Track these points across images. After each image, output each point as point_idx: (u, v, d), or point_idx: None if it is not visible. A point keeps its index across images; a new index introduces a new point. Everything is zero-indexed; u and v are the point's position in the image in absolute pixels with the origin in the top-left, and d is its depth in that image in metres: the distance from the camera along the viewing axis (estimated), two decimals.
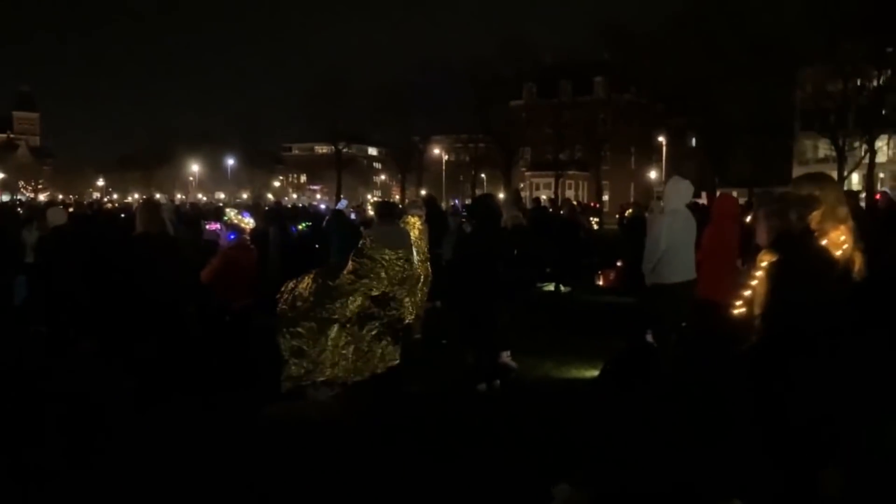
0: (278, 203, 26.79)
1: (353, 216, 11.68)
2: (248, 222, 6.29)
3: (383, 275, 5.76)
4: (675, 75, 41.94)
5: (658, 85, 45.50)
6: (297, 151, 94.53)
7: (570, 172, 59.85)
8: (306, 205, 37.93)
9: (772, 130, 44.67)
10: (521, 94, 59.75)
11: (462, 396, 6.24)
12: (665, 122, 51.45)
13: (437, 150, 64.58)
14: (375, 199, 16.32)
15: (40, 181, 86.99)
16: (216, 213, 11.39)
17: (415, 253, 6.25)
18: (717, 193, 21.10)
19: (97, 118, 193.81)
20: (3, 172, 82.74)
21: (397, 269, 5.86)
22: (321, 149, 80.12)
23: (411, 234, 6.73)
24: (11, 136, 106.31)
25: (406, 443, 5.05)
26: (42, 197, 64.29)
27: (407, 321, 6.15)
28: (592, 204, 21.70)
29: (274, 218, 11.16)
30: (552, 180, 59.31)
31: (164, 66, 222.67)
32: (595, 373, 6.89)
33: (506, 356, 6.86)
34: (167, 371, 5.47)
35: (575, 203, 19.73)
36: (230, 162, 77.37)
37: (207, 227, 6.57)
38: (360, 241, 5.86)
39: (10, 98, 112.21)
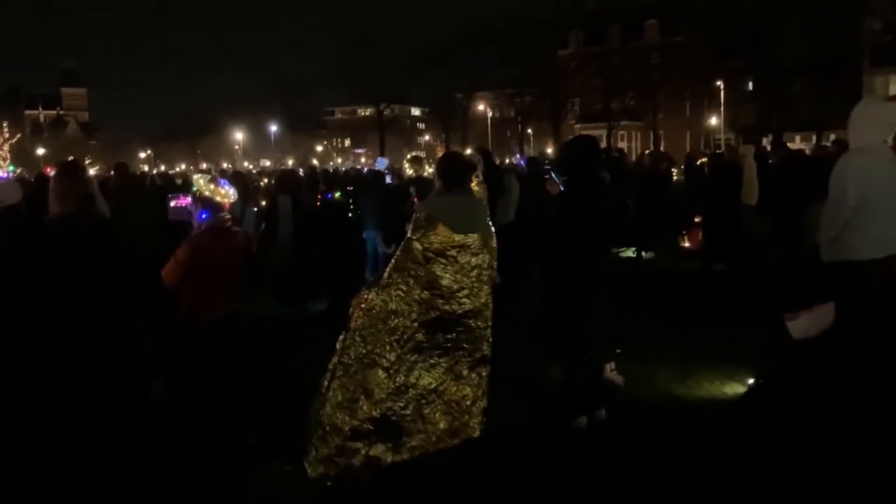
0: (311, 169, 24.57)
1: (388, 179, 9.81)
2: (227, 194, 4.28)
3: (445, 277, 3.87)
4: (730, 13, 39.34)
5: (713, 25, 42.76)
6: (339, 115, 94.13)
7: (623, 123, 57.50)
8: (348, 168, 36.61)
9: (837, 68, 41.55)
10: (567, 43, 57.25)
11: (550, 437, 4.36)
12: (721, 66, 48.60)
13: (481, 106, 62.46)
14: (414, 154, 13.64)
15: (88, 155, 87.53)
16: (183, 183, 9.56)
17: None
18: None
19: (142, 91, 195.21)
20: (54, 148, 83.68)
21: (470, 266, 3.94)
22: (364, 111, 79.39)
23: None
24: (61, 112, 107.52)
25: None
26: (92, 171, 64.75)
27: (488, 353, 4.08)
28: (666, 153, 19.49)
29: (285, 185, 9.28)
30: (603, 132, 56.99)
31: (203, 32, 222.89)
32: (736, 387, 5.09)
33: (610, 370, 4.79)
34: (87, 424, 3.85)
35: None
36: (273, 128, 76.93)
37: (174, 203, 4.65)
38: (411, 221, 3.97)
39: (58, 75, 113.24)
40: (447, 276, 3.90)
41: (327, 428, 3.90)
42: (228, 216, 4.37)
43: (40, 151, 79.18)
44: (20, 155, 75.49)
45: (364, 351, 3.88)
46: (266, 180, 16.82)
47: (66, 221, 4.01)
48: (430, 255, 3.89)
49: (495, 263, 4.09)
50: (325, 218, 9.46)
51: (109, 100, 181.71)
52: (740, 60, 46.67)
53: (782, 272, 7.64)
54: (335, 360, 4.01)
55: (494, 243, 4.12)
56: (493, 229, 4.15)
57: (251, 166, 63.48)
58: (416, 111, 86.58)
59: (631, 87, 53.62)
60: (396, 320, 3.86)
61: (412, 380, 3.90)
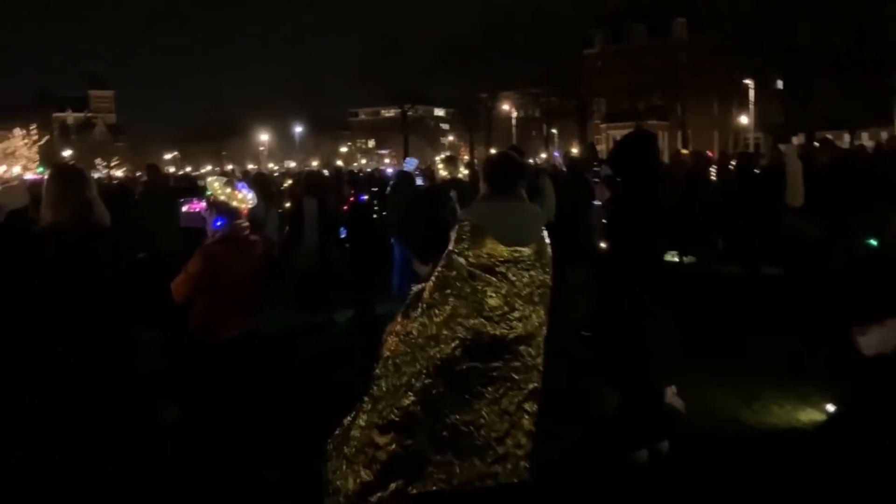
0: (340, 171, 23.93)
1: (419, 181, 9.23)
2: (244, 198, 3.82)
3: (493, 297, 3.37)
4: (758, 9, 38.52)
5: (741, 22, 41.91)
6: (363, 116, 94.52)
7: (649, 122, 56.69)
8: (372, 169, 36.14)
9: (869, 64, 40.46)
10: (592, 42, 56.54)
11: (606, 473, 3.89)
12: (750, 63, 47.65)
13: (505, 106, 61.88)
14: (447, 153, 12.88)
15: (115, 157, 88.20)
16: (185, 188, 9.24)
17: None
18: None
19: (169, 93, 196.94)
20: (81, 150, 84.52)
21: (522, 284, 3.41)
22: (387, 112, 79.39)
23: None
24: (89, 114, 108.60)
25: None
26: (119, 173, 65.34)
27: (538, 385, 3.53)
28: (709, 153, 18.85)
29: (313, 187, 8.81)
30: (630, 131, 56.19)
31: (228, 35, 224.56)
32: (811, 413, 4.57)
33: (671, 394, 4.30)
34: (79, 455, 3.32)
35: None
36: (298, 130, 77.18)
37: (186, 208, 4.14)
38: (454, 231, 3.48)
39: (86, 78, 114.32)
40: (496, 295, 3.39)
41: (352, 464, 3.43)
42: (246, 223, 3.90)
43: (67, 153, 79.86)
44: (48, 157, 76.17)
45: (398, 382, 3.41)
46: (290, 182, 16.41)
47: (57, 231, 3.52)
48: (476, 271, 3.38)
49: (550, 280, 3.57)
50: (351, 222, 8.99)
51: (136, 102, 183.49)
52: (769, 58, 45.67)
53: (844, 280, 7.07)
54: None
55: (549, 257, 3.60)
56: (548, 240, 3.64)
57: (276, 167, 63.56)
58: (439, 112, 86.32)
59: (658, 85, 52.80)
60: (437, 347, 3.37)
61: (451, 414, 3.41)
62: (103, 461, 3.46)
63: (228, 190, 3.83)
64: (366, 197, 9.94)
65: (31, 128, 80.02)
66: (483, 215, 3.49)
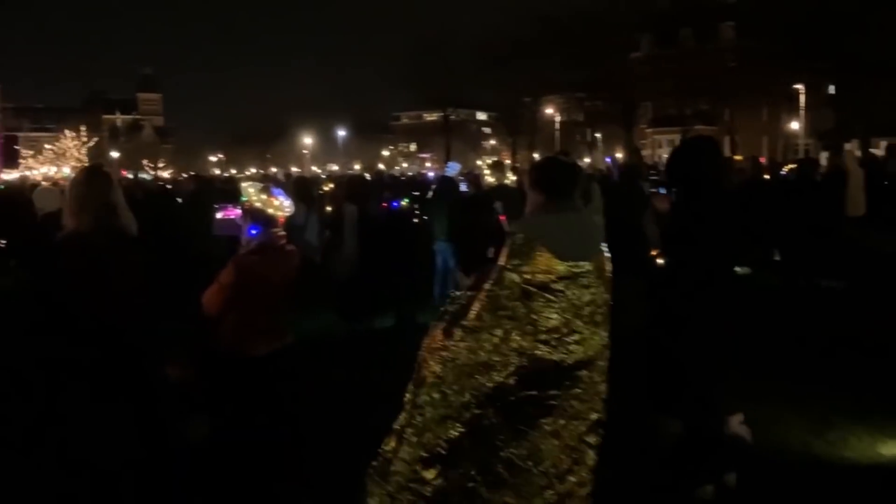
0: (379, 174, 23.56)
1: (463, 186, 8.85)
2: (281, 205, 3.57)
3: (551, 318, 3.05)
4: (811, 12, 37.55)
5: (793, 25, 40.87)
6: (405, 120, 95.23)
7: (696, 127, 55.74)
8: (414, 174, 35.92)
9: None
10: (638, 46, 55.82)
11: None
12: (801, 68, 46.47)
13: (549, 110, 61.35)
14: (495, 159, 12.25)
15: (161, 159, 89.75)
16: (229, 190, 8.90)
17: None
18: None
19: (216, 96, 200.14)
20: (129, 152, 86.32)
21: (582, 302, 3.09)
22: (429, 116, 79.69)
23: None
24: (137, 117, 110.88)
25: None
26: (166, 174, 66.58)
27: (602, 415, 3.21)
28: (761, 159, 18.21)
29: (354, 192, 8.55)
30: (676, 137, 55.36)
31: (273, 39, 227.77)
32: (893, 447, 4.13)
33: (737, 422, 3.93)
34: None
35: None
36: (341, 133, 77.74)
37: (221, 214, 3.87)
38: (506, 243, 3.17)
39: (135, 81, 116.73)
40: (554, 316, 3.06)
41: (396, 501, 3.13)
42: (282, 232, 3.66)
43: (115, 154, 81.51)
44: (97, 158, 77.82)
45: (444, 412, 3.10)
46: (331, 185, 16.26)
47: (78, 240, 3.27)
48: (532, 289, 3.06)
49: (611, 298, 3.26)
50: (391, 228, 8.74)
51: (184, 105, 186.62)
52: (822, 62, 44.50)
53: None
54: (403, 417, 3.25)
55: (610, 272, 3.28)
56: (608, 254, 3.32)
57: (319, 171, 63.98)
58: (481, 115, 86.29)
59: (705, 90, 51.84)
60: (487, 375, 3.05)
61: (505, 447, 3.09)
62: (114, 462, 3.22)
63: (264, 196, 3.58)
64: (403, 202, 9.63)
65: (81, 129, 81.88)
66: (537, 228, 3.17)
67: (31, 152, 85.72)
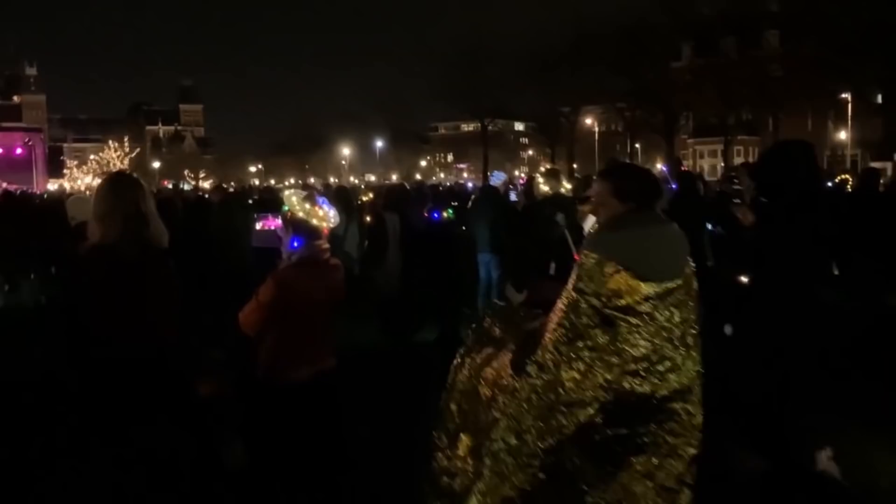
0: (420, 184, 23.12)
1: (513, 197, 8.34)
2: (326, 216, 3.26)
3: (639, 344, 2.68)
4: (858, 19, 36.59)
5: (840, 33, 39.87)
6: (443, 130, 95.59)
7: (739, 137, 54.82)
8: (452, 184, 35.63)
9: None
10: (679, 55, 55.02)
11: None
12: (849, 76, 45.35)
13: (588, 120, 60.81)
14: (549, 166, 11.41)
15: (202, 169, 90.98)
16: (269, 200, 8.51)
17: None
18: None
19: (256, 107, 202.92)
20: (171, 162, 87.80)
21: (672, 324, 2.73)
22: (467, 126, 79.77)
23: None
24: (179, 127, 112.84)
25: None
26: (207, 184, 67.56)
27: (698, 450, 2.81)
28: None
29: (395, 202, 8.24)
30: (718, 147, 54.53)
31: (311, 50, 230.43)
32: None
33: (826, 458, 3.54)
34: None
35: None
36: (379, 144, 78.12)
37: (260, 225, 3.53)
38: (579, 262, 2.80)
39: (176, 93, 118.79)
40: (642, 343, 2.69)
41: None
42: (326, 245, 3.35)
43: (156, 164, 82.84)
44: (139, 168, 79.17)
45: (520, 459, 2.71)
46: (370, 195, 16.07)
47: (104, 252, 2.99)
48: (614, 313, 2.69)
49: (695, 291, 2.85)
50: (434, 239, 8.44)
51: (225, 116, 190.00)
52: (870, 70, 43.41)
53: None
54: (468, 466, 2.89)
55: (697, 289, 2.89)
56: (693, 267, 2.92)
57: (357, 181, 64.26)
58: (519, 126, 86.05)
59: (749, 99, 50.90)
60: (569, 414, 2.68)
61: (592, 491, 2.71)
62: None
63: (308, 206, 3.27)
64: (444, 214, 9.27)
65: (124, 140, 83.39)
66: (619, 245, 2.77)
67: (76, 162, 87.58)
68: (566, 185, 7.12)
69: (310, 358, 3.26)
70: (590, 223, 5.71)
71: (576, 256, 2.99)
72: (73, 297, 2.99)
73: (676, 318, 2.74)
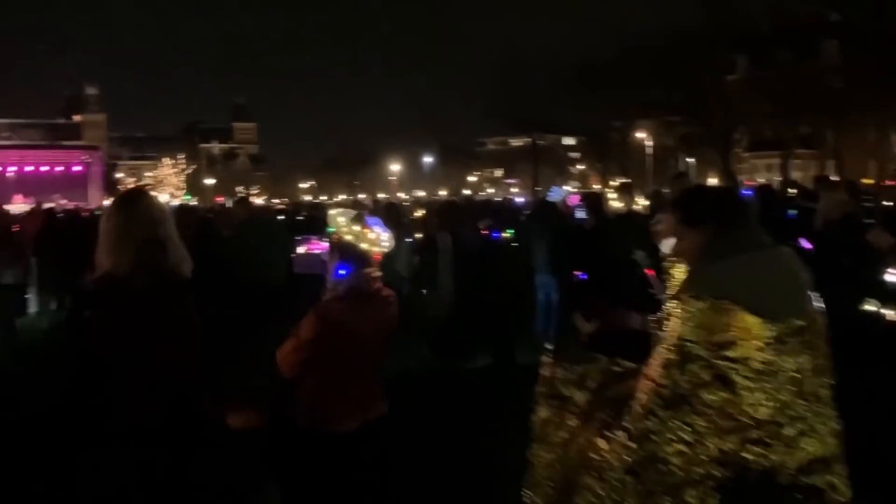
0: (469, 200, 22.27)
1: (581, 214, 7.50)
2: (378, 239, 2.82)
3: (760, 404, 2.12)
4: None
5: None
6: (491, 146, 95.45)
7: (797, 151, 53.30)
8: (501, 199, 35.02)
9: None
10: (733, 68, 53.81)
11: None
12: None
13: (639, 134, 59.82)
14: (621, 181, 10.06)
15: (255, 186, 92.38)
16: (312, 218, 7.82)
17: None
18: None
19: (307, 124, 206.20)
20: (224, 179, 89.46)
21: (802, 374, 2.15)
22: (515, 141, 79.58)
23: None
24: (233, 145, 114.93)
25: None
26: (259, 201, 68.67)
27: None
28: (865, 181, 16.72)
29: (446, 219, 7.76)
30: (774, 161, 53.15)
31: (362, 68, 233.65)
32: None
33: None
34: None
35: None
36: (427, 160, 78.40)
37: (303, 249, 3.00)
38: (677, 305, 2.32)
39: (230, 111, 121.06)
40: (763, 400, 2.14)
41: None
42: (378, 272, 2.88)
43: (210, 181, 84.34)
44: (195, 185, 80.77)
45: None
46: (420, 211, 15.70)
47: (113, 285, 2.56)
48: (729, 364, 2.15)
49: (821, 325, 2.31)
50: (488, 258, 8.01)
51: (277, 133, 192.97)
52: None
53: None
54: None
55: (824, 327, 2.32)
56: (819, 303, 2.35)
57: (405, 197, 64.46)
58: (568, 140, 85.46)
59: (807, 112, 49.45)
60: (676, 496, 2.15)
61: None
62: None
63: (357, 227, 2.82)
64: (504, 235, 8.70)
65: (179, 157, 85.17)
66: (724, 279, 2.26)
67: (133, 179, 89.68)
68: (640, 202, 6.50)
69: (357, 405, 2.80)
70: (668, 245, 5.20)
71: (660, 297, 2.51)
72: (78, 340, 2.57)
73: (807, 366, 2.19)
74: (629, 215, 4.95)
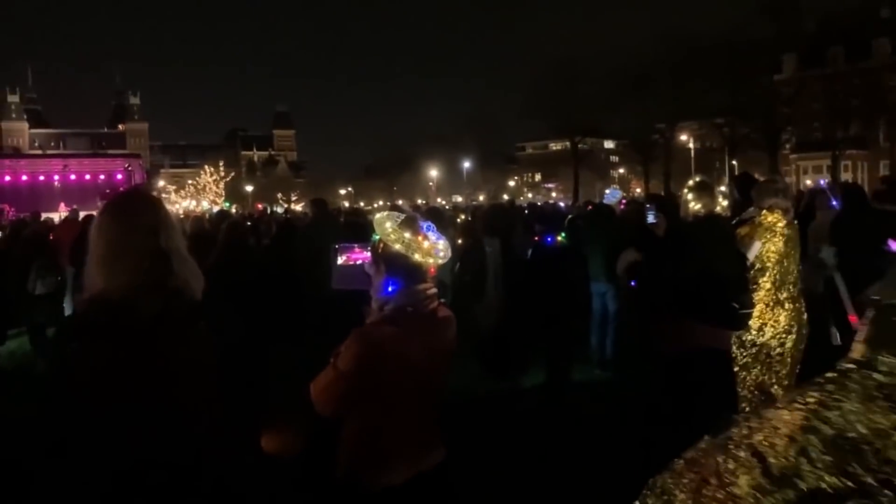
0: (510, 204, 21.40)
1: (651, 218, 6.73)
2: (433, 249, 2.24)
3: None
4: None
5: None
6: (530, 150, 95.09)
7: (847, 152, 51.70)
8: (542, 203, 34.34)
9: None
10: (781, 67, 52.43)
11: None
12: None
13: (683, 137, 58.58)
14: (699, 178, 8.30)
15: (294, 192, 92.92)
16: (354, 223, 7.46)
17: None
18: None
19: (346, 131, 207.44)
20: (264, 186, 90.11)
21: None
22: (555, 145, 78.90)
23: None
24: (272, 152, 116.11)
25: None
26: (299, 207, 68.94)
27: None
28: None
29: (494, 224, 7.21)
30: (823, 162, 51.62)
31: (399, 76, 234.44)
32: None
33: None
34: None
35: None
36: (466, 165, 78.08)
37: (342, 259, 2.41)
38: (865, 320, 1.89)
39: (270, 118, 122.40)
40: None
41: None
42: (433, 289, 2.30)
43: (249, 188, 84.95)
44: (234, 192, 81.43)
45: None
46: (462, 216, 15.17)
47: (105, 308, 1.95)
48: None
49: None
50: (540, 266, 7.43)
51: (316, 139, 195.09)
52: None
53: None
54: None
55: None
56: None
57: (444, 202, 64.07)
58: (609, 144, 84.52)
59: (858, 112, 48.03)
60: None
61: None
62: None
63: (408, 235, 2.23)
64: (558, 238, 8.09)
65: (219, 165, 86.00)
66: None
67: (174, 187, 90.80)
68: (721, 202, 5.84)
69: (409, 452, 2.23)
70: (755, 250, 4.62)
71: (852, 318, 1.95)
72: (61, 380, 2.00)
73: None
74: (710, 218, 4.39)
